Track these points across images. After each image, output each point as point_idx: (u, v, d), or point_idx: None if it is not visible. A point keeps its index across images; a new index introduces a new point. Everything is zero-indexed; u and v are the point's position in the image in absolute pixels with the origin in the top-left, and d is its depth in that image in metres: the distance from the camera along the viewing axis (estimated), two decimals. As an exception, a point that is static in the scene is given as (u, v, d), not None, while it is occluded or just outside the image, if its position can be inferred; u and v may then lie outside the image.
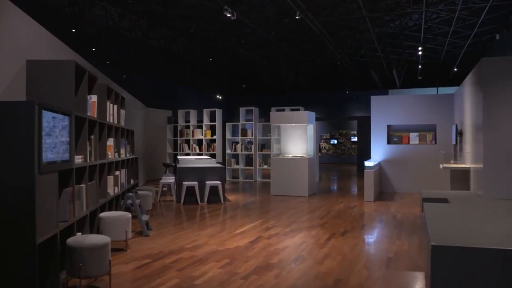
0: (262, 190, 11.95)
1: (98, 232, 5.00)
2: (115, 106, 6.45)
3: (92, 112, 5.01)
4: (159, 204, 9.13)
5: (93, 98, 5.05)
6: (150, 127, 14.55)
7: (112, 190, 5.98)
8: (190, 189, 9.12)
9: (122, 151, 6.98)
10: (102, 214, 5.03)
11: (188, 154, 14.64)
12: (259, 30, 13.97)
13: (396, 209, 8.36)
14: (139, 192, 7.08)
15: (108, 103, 5.87)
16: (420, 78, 22.49)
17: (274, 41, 16.25)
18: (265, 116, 17.41)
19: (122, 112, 7.08)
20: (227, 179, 14.43)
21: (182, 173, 9.29)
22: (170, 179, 10.07)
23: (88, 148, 4.88)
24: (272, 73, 21.34)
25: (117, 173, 6.47)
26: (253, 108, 14.54)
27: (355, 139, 25.19)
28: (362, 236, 6.11)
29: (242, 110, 14.78)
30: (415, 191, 10.80)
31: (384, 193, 10.92)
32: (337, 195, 10.77)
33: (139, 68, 17.11)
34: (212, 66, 20.69)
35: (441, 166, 8.28)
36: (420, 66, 20.76)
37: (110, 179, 5.94)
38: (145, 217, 6.20)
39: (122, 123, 7.03)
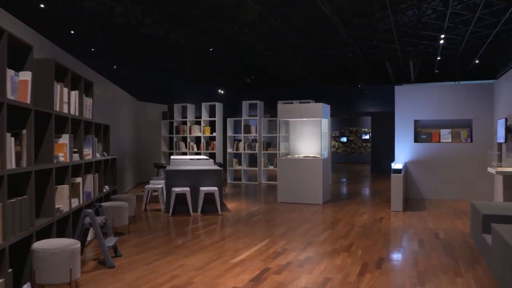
0: (267, 195, 10.36)
1: (31, 273, 3.43)
2: (75, 93, 4.87)
3: (22, 96, 3.44)
4: (144, 215, 7.56)
5: (24, 75, 3.48)
6: (142, 123, 13.00)
7: (66, 204, 4.41)
8: (181, 197, 7.56)
9: (88, 150, 5.41)
10: (36, 245, 3.45)
11: (185, 153, 13.07)
12: (264, 13, 12.35)
13: (434, 223, 6.74)
14: (109, 204, 5.51)
15: (58, 87, 4.30)
16: (437, 71, 20.81)
17: (281, 30, 14.63)
18: (270, 111, 15.82)
19: (89, 101, 5.51)
20: (228, 181, 12.86)
21: (171, 177, 7.73)
22: (158, 183, 8.50)
23: (15, 148, 3.32)
24: (278, 65, 19.69)
25: (78, 180, 4.92)
26: (257, 102, 12.91)
27: (367, 136, 23.58)
28: (406, 269, 4.49)
29: (245, 104, 13.15)
30: (448, 198, 9.20)
31: (411, 200, 9.30)
32: (356, 202, 9.15)
33: (132, 59, 15.62)
34: (212, 57, 19.05)
35: (492, 170, 6.63)
36: (439, 58, 19.10)
37: (63, 189, 4.38)
38: (111, 241, 4.62)
39: (89, 116, 5.46)
